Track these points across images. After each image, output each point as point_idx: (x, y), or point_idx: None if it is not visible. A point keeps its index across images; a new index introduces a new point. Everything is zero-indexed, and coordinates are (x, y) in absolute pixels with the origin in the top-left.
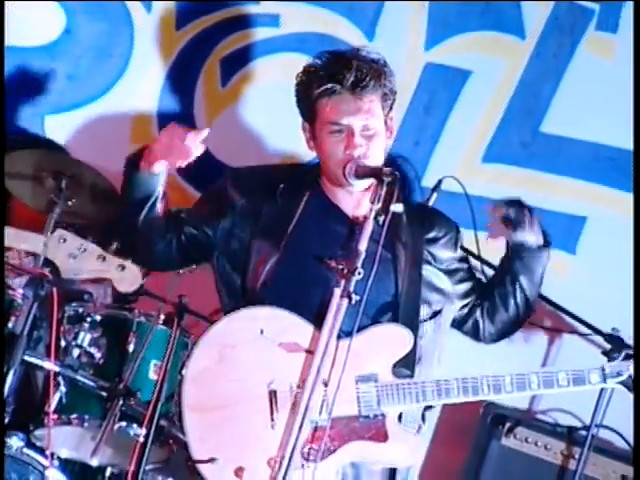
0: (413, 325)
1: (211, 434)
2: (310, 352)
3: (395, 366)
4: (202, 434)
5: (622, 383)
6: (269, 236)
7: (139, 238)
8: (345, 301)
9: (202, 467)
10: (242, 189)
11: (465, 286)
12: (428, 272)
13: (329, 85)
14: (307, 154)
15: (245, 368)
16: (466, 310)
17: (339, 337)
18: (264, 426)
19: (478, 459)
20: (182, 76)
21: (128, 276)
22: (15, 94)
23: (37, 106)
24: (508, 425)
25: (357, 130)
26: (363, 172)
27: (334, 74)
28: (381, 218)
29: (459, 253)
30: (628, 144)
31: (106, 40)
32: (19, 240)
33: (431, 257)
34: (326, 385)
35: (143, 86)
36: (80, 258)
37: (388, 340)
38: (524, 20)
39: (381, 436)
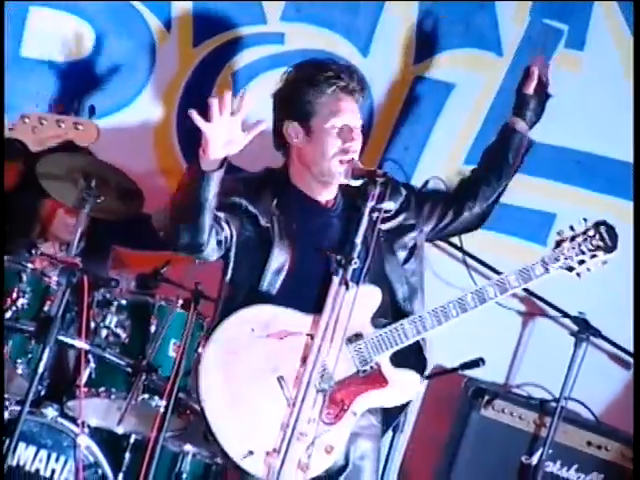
0: (381, 277)
1: (238, 430)
2: (298, 334)
3: (373, 318)
4: (230, 432)
5: (561, 267)
6: (281, 244)
7: (201, 236)
8: (343, 288)
9: (239, 460)
10: (257, 201)
11: (426, 209)
12: (390, 223)
13: (335, 85)
14: None
15: (251, 367)
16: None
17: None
18: (282, 410)
19: (460, 428)
20: (198, 88)
21: (85, 132)
22: (51, 104)
23: (69, 114)
24: (487, 398)
25: (354, 130)
26: (359, 173)
27: (340, 76)
28: (375, 214)
29: (403, 193)
30: (593, 148)
31: (131, 56)
32: None
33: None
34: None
35: (164, 97)
36: (41, 130)
37: (361, 299)
38: (501, 39)
39: (381, 382)
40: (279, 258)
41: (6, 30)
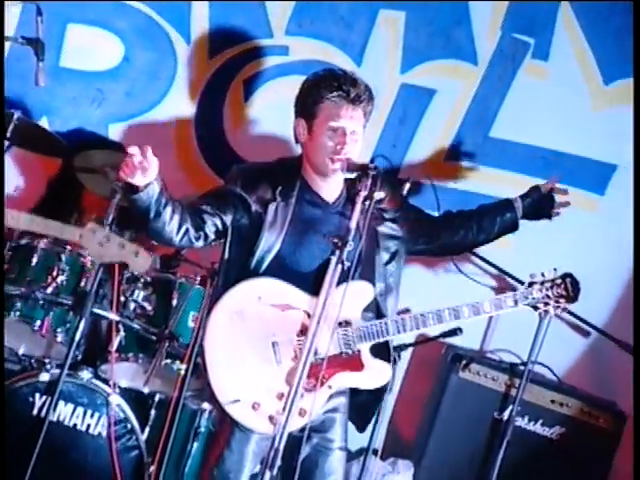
0: (372, 277)
1: (230, 380)
2: (297, 309)
3: (363, 311)
4: (223, 381)
5: (528, 304)
6: (273, 228)
7: (158, 239)
8: (339, 267)
9: (228, 407)
10: (251, 189)
11: (413, 232)
12: (382, 227)
13: (337, 93)
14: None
15: (251, 328)
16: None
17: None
18: (271, 370)
19: (441, 389)
20: (213, 94)
21: (140, 261)
22: (87, 108)
23: (103, 117)
24: (464, 362)
25: (348, 132)
26: (353, 167)
27: (342, 86)
28: (367, 203)
29: (402, 204)
30: (556, 146)
31: (155, 66)
32: (59, 231)
33: (381, 213)
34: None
35: (183, 101)
36: (105, 246)
37: (356, 293)
38: (477, 51)
39: (358, 366)
40: (269, 240)
41: (46, 43)
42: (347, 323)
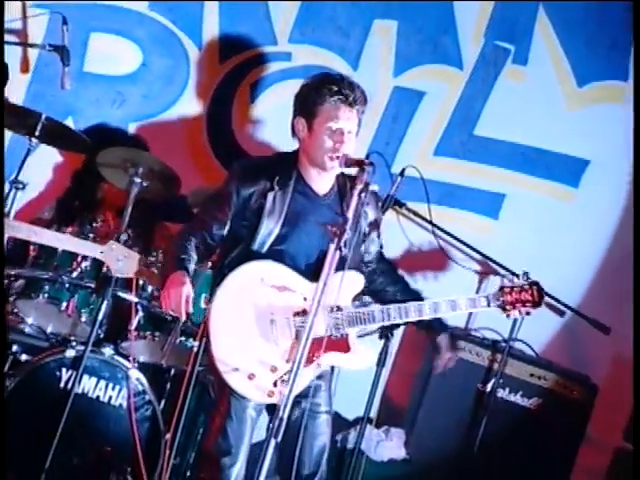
0: (359, 268)
1: (230, 352)
2: (295, 292)
3: (353, 300)
4: (224, 352)
5: (499, 306)
6: (272, 215)
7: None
8: (337, 253)
9: (227, 375)
10: (251, 183)
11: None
12: (363, 225)
13: (336, 97)
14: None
15: (252, 306)
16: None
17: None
18: (267, 346)
19: (430, 363)
20: (223, 95)
21: (155, 279)
22: (108, 109)
23: (123, 116)
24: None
25: (345, 132)
26: (350, 162)
27: (341, 91)
28: (363, 194)
29: (380, 216)
30: (534, 143)
31: (170, 71)
32: (80, 247)
33: (365, 215)
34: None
35: (196, 103)
36: (124, 262)
37: (349, 282)
38: (462, 56)
39: (345, 348)
40: (269, 225)
41: (71, 50)
42: (338, 308)
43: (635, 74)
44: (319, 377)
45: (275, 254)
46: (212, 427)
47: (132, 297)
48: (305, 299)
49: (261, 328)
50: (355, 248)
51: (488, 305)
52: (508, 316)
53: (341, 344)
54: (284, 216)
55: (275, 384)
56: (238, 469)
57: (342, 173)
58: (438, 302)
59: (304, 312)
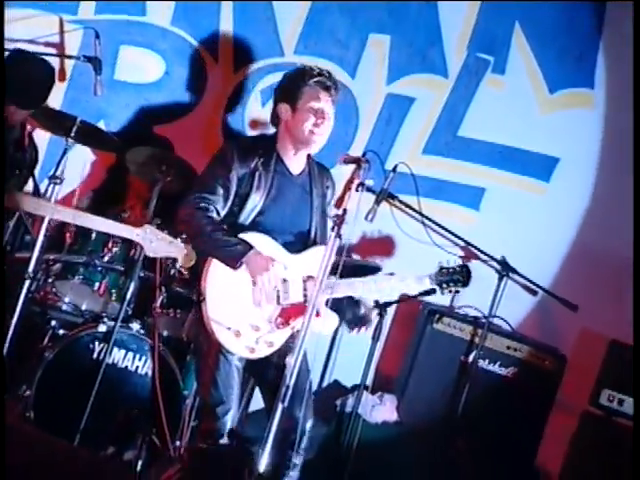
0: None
1: (221, 312)
2: (279, 263)
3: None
4: (216, 312)
5: (437, 284)
6: (258, 190)
7: None
8: (337, 239)
9: (217, 332)
10: (241, 160)
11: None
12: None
13: (316, 79)
14: None
15: (240, 273)
16: None
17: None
18: (252, 308)
19: (419, 337)
20: (237, 101)
21: (186, 257)
22: (135, 113)
23: (148, 120)
24: (437, 316)
25: (325, 112)
26: (350, 160)
27: (320, 78)
28: (360, 188)
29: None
30: (511, 142)
31: (190, 79)
32: (119, 230)
33: (329, 198)
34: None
35: (213, 107)
36: (157, 243)
37: (318, 256)
38: (447, 66)
39: (316, 314)
40: (254, 201)
41: (103, 61)
42: (310, 278)
43: (635, 73)
44: (292, 337)
45: (257, 226)
46: (204, 380)
47: (157, 278)
48: (285, 268)
49: (248, 293)
50: (322, 227)
51: (432, 283)
52: (443, 293)
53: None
54: (266, 193)
55: (257, 341)
56: (232, 415)
57: (309, 156)
58: (390, 277)
59: (284, 280)
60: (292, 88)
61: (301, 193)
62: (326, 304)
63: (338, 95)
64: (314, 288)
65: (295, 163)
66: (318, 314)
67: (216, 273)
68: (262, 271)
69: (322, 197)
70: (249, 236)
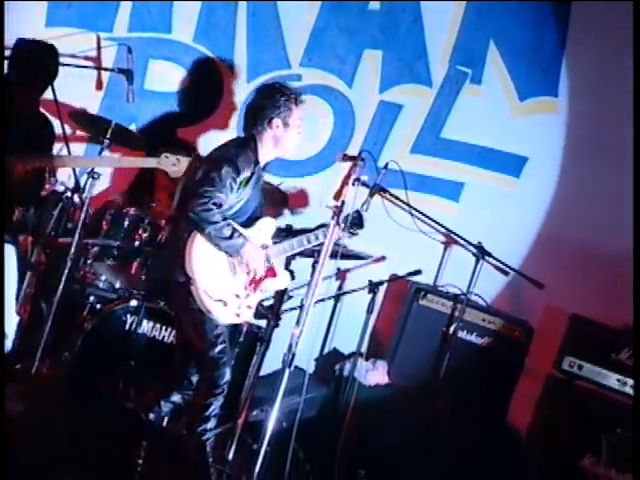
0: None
1: (208, 285)
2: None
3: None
4: (204, 286)
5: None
6: (248, 190)
7: None
8: (337, 227)
9: (208, 305)
10: (245, 167)
11: None
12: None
13: (297, 101)
14: None
15: (217, 252)
16: None
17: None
18: (232, 279)
19: (407, 311)
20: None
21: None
22: (162, 117)
23: (173, 123)
24: (422, 293)
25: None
26: (347, 158)
27: (300, 97)
28: (356, 183)
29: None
30: (487, 143)
31: (209, 89)
32: (139, 162)
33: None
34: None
35: (228, 114)
36: (177, 166)
37: (266, 225)
38: (432, 77)
39: (274, 274)
40: (247, 194)
41: (135, 72)
42: (265, 246)
43: (635, 73)
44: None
45: (238, 212)
46: (204, 345)
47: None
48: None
49: (227, 267)
50: (263, 204)
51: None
52: (349, 237)
53: (271, 271)
54: (251, 189)
55: (240, 307)
56: (229, 371)
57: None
58: (318, 232)
59: None
60: (286, 108)
61: (258, 181)
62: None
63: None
64: (270, 253)
65: (262, 161)
66: (275, 274)
67: (199, 255)
68: (254, 258)
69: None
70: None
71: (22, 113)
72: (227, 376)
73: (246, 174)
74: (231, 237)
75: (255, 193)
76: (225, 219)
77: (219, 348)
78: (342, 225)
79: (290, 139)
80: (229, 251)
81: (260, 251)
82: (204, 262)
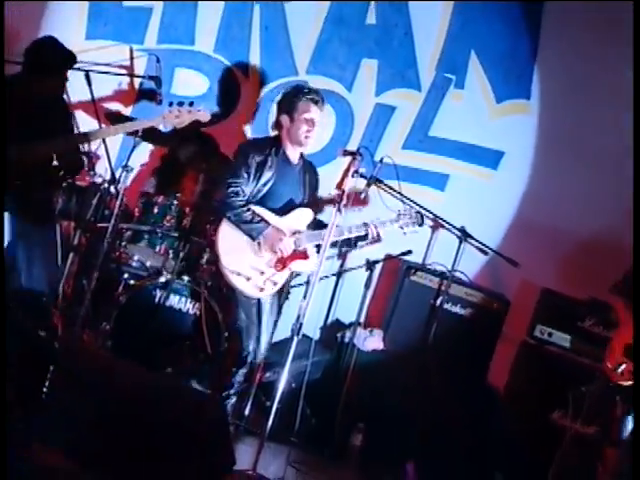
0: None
1: (234, 263)
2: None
3: (308, 226)
4: (229, 264)
5: (400, 226)
6: (269, 170)
7: None
8: (338, 213)
9: (232, 279)
10: (257, 152)
11: None
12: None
13: (307, 97)
14: None
15: (241, 235)
16: None
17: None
18: (257, 257)
19: (399, 287)
20: (262, 110)
21: (201, 115)
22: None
23: (195, 123)
24: (413, 270)
25: (314, 121)
26: (347, 153)
27: (310, 95)
28: (355, 175)
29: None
30: (468, 140)
31: (227, 93)
32: (146, 123)
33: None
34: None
35: (244, 114)
36: (180, 117)
37: (302, 215)
38: (421, 83)
39: (305, 257)
40: (266, 177)
41: (162, 79)
42: (298, 232)
43: (635, 75)
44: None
45: (264, 198)
46: (230, 312)
47: (203, 241)
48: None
49: (251, 246)
50: (310, 199)
51: (392, 223)
52: (404, 233)
53: (302, 254)
54: (274, 172)
55: (264, 282)
56: (253, 343)
57: (302, 154)
58: (368, 223)
59: None
60: (291, 103)
61: (296, 175)
62: (317, 251)
63: (324, 106)
64: (302, 239)
65: (293, 155)
66: (306, 257)
67: (224, 238)
68: (278, 241)
69: (314, 182)
70: (256, 209)
71: (45, 100)
72: (250, 348)
73: (257, 159)
74: (251, 221)
75: (288, 184)
76: (246, 205)
77: (243, 321)
78: (406, 222)
79: (297, 133)
80: (251, 234)
81: (283, 235)
82: (227, 243)
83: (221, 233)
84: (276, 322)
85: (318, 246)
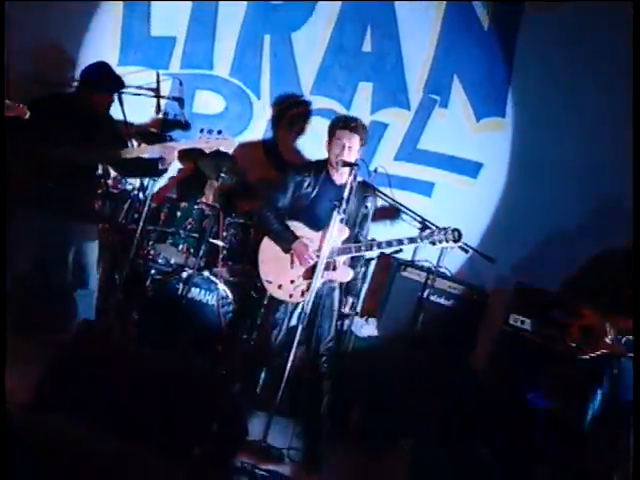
0: (349, 225)
1: (269, 272)
2: (307, 239)
3: (342, 242)
4: (266, 272)
5: (431, 242)
6: (307, 189)
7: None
8: (339, 216)
9: (267, 286)
10: (296, 172)
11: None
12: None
13: (341, 124)
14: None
15: (278, 249)
16: None
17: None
18: (289, 268)
19: (391, 280)
20: (272, 126)
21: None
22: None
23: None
24: (403, 266)
25: (346, 147)
26: (345, 164)
27: (347, 122)
28: (354, 184)
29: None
30: (452, 152)
31: (241, 112)
32: (155, 150)
33: (369, 205)
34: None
35: (257, 131)
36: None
37: (338, 230)
38: (410, 103)
39: (334, 267)
40: (304, 196)
41: (185, 100)
42: (327, 245)
43: (635, 75)
44: (331, 281)
45: (304, 214)
46: (266, 323)
47: (220, 242)
48: (311, 242)
49: (286, 258)
50: (350, 217)
51: (422, 241)
52: (435, 248)
53: (332, 265)
54: (311, 193)
55: (294, 289)
56: (281, 337)
57: (356, 176)
58: (386, 241)
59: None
60: (329, 131)
61: (340, 195)
62: (344, 262)
63: (363, 132)
64: (335, 252)
65: (337, 176)
66: (336, 268)
67: (265, 250)
68: (305, 253)
69: (360, 201)
70: (292, 223)
71: (94, 114)
72: (277, 341)
73: (296, 179)
74: (281, 233)
75: (328, 202)
76: (281, 218)
77: (272, 320)
78: (446, 239)
79: (331, 156)
80: (282, 245)
81: (307, 247)
82: (267, 254)
83: (262, 244)
84: (335, 312)
85: (353, 258)
